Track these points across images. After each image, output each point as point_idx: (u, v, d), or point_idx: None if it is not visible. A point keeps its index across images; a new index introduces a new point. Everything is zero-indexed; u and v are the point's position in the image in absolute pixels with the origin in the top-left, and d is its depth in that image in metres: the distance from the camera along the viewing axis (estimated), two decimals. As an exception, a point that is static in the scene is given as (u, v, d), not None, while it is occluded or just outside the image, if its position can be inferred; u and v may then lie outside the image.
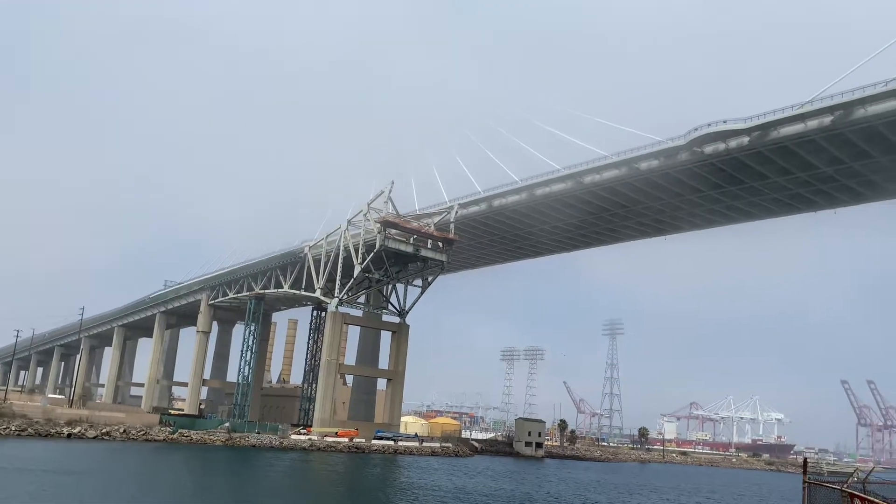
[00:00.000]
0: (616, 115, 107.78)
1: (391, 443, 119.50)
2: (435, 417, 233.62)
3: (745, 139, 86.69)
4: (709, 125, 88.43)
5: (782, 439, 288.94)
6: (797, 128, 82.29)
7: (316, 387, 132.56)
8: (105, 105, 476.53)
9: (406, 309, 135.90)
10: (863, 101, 75.79)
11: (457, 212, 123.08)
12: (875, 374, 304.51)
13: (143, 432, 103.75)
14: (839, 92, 77.76)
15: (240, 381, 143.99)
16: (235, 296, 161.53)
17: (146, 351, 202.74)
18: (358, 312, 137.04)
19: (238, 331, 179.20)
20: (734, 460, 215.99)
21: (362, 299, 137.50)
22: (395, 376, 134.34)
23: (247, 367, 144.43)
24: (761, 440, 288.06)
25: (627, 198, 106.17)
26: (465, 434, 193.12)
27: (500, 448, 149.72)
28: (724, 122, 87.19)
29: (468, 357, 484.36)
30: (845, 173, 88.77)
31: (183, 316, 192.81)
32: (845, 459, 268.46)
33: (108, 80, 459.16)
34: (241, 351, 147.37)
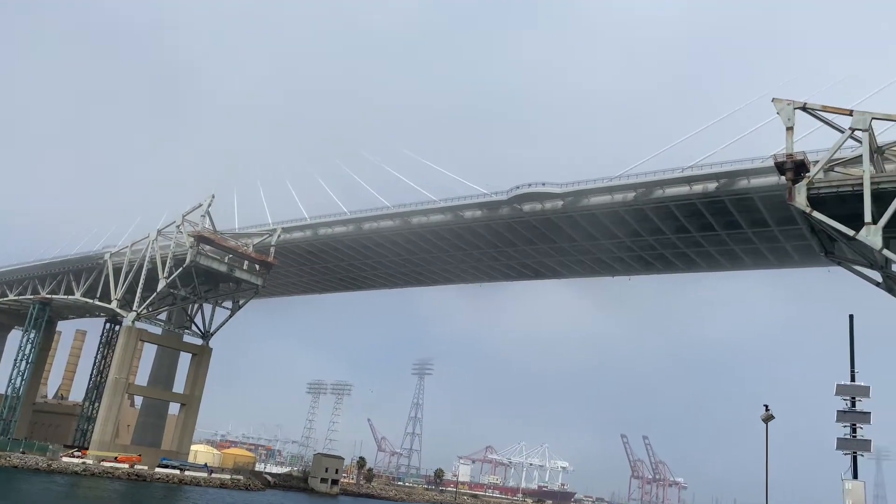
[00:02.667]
0: (451, 164, 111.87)
1: (177, 472, 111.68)
2: (229, 448, 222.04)
3: (560, 203, 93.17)
4: (529, 185, 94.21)
5: (565, 486, 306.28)
6: (605, 199, 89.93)
7: (99, 406, 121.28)
8: None
9: (211, 331, 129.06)
10: (661, 184, 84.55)
11: (279, 235, 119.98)
12: (651, 430, 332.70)
13: None
14: (643, 171, 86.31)
15: (9, 392, 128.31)
16: (17, 297, 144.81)
17: None
18: (157, 330, 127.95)
19: (15, 337, 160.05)
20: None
21: (163, 316, 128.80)
22: (191, 402, 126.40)
23: (19, 378, 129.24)
24: (546, 486, 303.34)
25: (450, 243, 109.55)
26: (260, 467, 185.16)
27: (295, 483, 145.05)
28: (543, 184, 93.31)
29: (274, 387, 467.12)
30: (641, 245, 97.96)
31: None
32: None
33: None
34: (15, 360, 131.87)
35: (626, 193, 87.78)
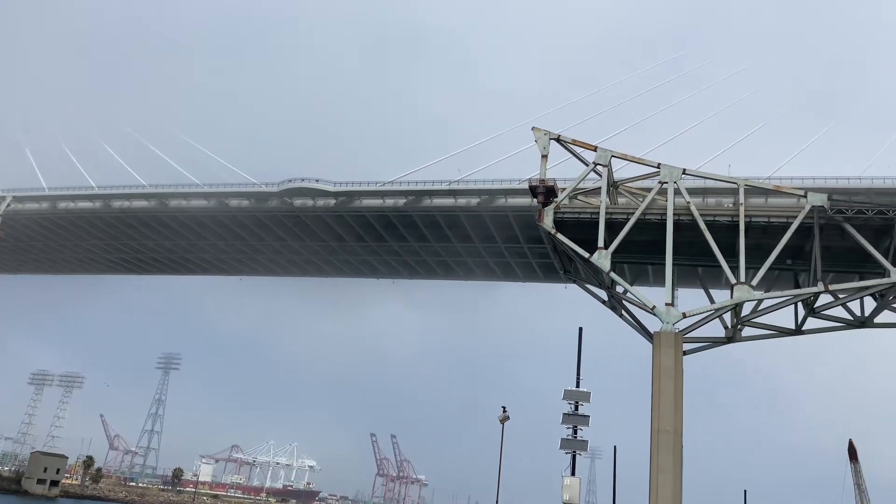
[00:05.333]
0: (225, 152, 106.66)
1: None
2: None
3: (332, 201, 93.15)
4: (302, 180, 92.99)
5: (310, 486, 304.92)
6: (377, 202, 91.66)
7: None
8: None
9: None
10: (430, 193, 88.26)
11: (9, 204, 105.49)
12: (404, 430, 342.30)
13: None
14: (416, 180, 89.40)
15: None
16: None
17: None
18: None
19: None
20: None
21: None
22: None
23: None
24: (292, 486, 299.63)
25: (211, 230, 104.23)
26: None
27: (5, 485, 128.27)
28: (317, 181, 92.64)
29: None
30: (407, 250, 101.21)
31: None
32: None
33: None
34: None
35: (397, 199, 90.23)
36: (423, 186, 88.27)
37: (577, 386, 49.93)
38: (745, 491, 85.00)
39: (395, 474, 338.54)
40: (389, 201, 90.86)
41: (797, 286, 57.99)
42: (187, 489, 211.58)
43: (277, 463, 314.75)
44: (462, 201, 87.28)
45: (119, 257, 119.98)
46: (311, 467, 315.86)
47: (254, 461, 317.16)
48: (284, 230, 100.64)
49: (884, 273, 52.36)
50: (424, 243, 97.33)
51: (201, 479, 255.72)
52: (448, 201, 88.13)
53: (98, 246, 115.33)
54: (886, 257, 52.22)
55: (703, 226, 54.52)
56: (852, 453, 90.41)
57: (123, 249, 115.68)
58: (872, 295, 55.72)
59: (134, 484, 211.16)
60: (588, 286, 61.87)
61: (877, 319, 56.93)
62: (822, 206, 53.49)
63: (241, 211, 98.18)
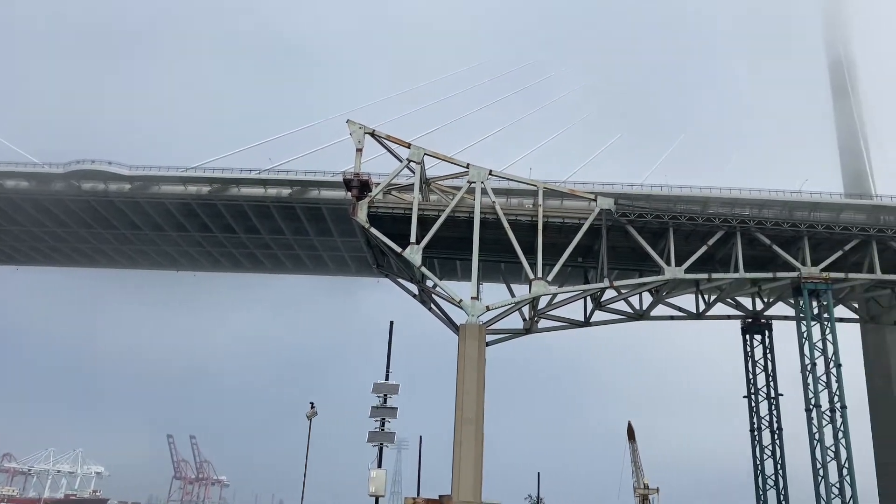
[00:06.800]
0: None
1: None
2: None
3: (127, 186, 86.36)
4: (93, 161, 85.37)
5: (97, 493, 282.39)
6: (178, 189, 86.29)
7: None
8: None
9: None
10: (238, 182, 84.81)
11: None
12: (206, 431, 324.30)
13: None
14: (223, 167, 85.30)
15: None
16: None
17: None
18: None
19: None
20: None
21: None
22: None
23: None
24: (75, 495, 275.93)
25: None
26: None
27: None
28: (110, 163, 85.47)
29: None
30: (211, 241, 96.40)
31: None
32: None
33: None
34: None
35: (200, 186, 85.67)
36: (230, 174, 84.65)
37: (387, 379, 50.51)
38: (539, 473, 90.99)
39: (193, 476, 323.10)
40: (192, 188, 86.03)
41: (587, 282, 62.98)
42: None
43: (59, 471, 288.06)
44: (273, 191, 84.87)
45: None
46: (98, 473, 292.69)
47: (30, 470, 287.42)
48: (70, 216, 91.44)
49: (659, 271, 58.46)
50: (230, 234, 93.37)
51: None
52: (258, 191, 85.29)
53: None
54: (662, 257, 58.33)
55: (506, 224, 57.41)
56: (630, 433, 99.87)
57: None
58: (650, 290, 62.10)
59: None
60: (400, 280, 62.78)
61: (653, 312, 63.50)
62: (610, 210, 58.52)
63: (18, 193, 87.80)
